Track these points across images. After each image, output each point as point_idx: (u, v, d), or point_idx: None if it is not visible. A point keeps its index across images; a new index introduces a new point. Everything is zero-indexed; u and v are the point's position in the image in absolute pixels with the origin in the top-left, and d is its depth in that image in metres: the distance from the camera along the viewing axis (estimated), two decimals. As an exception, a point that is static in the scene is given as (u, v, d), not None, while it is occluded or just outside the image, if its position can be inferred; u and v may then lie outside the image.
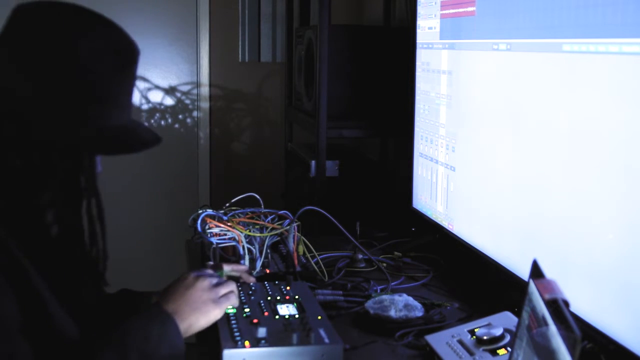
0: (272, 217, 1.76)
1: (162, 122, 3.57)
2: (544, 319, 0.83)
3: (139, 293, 1.44)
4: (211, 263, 1.56)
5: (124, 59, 1.13)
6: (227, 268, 1.53)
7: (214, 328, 1.32)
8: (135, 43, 1.15)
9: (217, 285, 1.32)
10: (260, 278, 1.61)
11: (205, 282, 1.30)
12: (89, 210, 1.16)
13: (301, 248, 1.74)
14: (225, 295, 1.31)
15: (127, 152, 1.17)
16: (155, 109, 3.55)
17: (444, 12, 1.88)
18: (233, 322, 1.30)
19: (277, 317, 1.33)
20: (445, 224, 1.89)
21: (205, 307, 1.26)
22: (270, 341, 1.22)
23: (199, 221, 1.67)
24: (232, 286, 1.35)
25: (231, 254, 1.68)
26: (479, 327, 1.29)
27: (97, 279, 1.24)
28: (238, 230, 1.65)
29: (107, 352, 1.09)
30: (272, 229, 1.70)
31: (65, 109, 1.07)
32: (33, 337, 1.03)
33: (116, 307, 1.35)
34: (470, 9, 1.71)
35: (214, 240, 1.66)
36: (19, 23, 1.09)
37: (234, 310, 1.35)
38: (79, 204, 1.14)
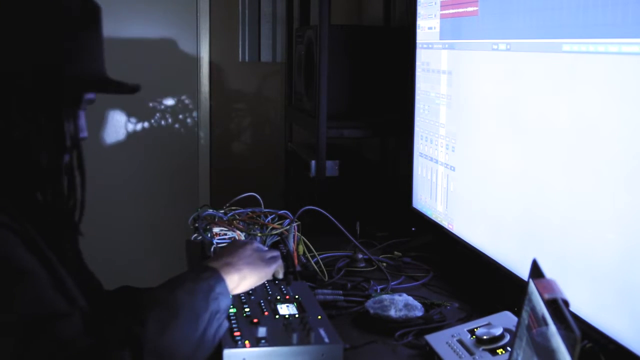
0: (272, 217, 1.76)
1: (162, 122, 3.57)
2: (543, 318, 0.83)
3: (140, 290, 1.44)
4: None
5: (90, 13, 1.15)
6: None
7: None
8: (97, 2, 1.18)
9: (265, 249, 1.38)
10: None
11: (255, 244, 1.37)
12: (70, 161, 1.15)
13: (301, 248, 1.74)
14: (273, 257, 1.37)
15: (105, 92, 1.18)
16: (155, 109, 3.55)
17: (444, 12, 1.88)
18: (233, 321, 1.30)
19: (277, 316, 1.33)
20: (445, 223, 1.89)
21: (257, 263, 1.31)
22: (270, 341, 1.22)
23: (199, 221, 1.68)
24: (277, 252, 1.40)
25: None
26: (479, 326, 1.29)
27: (74, 229, 1.23)
28: (238, 230, 1.65)
29: (160, 311, 1.09)
30: (272, 228, 1.70)
31: (35, 57, 1.08)
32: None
33: (116, 303, 1.35)
34: (472, 8, 1.71)
35: (215, 240, 1.66)
36: None
37: (234, 310, 1.35)
38: (61, 155, 1.13)
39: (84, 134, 1.18)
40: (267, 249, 1.39)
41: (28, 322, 0.96)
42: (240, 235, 1.65)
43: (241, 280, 1.26)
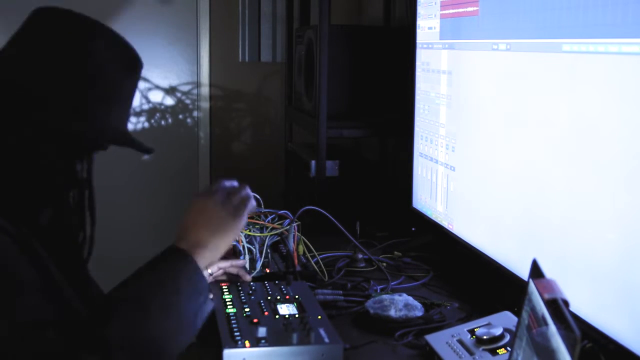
0: (272, 217, 1.76)
1: (162, 122, 3.57)
2: (543, 318, 0.83)
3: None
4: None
5: (130, 66, 1.21)
6: (225, 264, 1.53)
7: (214, 328, 1.32)
8: (139, 55, 1.24)
9: (230, 194, 1.31)
10: (260, 278, 1.61)
11: (216, 198, 1.29)
12: (81, 200, 1.19)
13: (301, 248, 1.74)
14: (241, 202, 1.31)
15: (124, 145, 1.23)
16: (155, 109, 3.55)
17: (444, 12, 1.88)
18: (233, 321, 1.30)
19: (277, 316, 1.33)
20: (445, 223, 1.89)
21: (224, 224, 1.27)
22: (270, 341, 1.22)
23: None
24: (245, 189, 1.34)
25: (231, 254, 1.68)
26: (479, 326, 1.29)
27: (82, 266, 1.24)
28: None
29: (125, 307, 1.08)
30: (272, 228, 1.70)
31: (71, 101, 1.13)
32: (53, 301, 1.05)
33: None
34: (472, 8, 1.71)
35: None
36: (36, 24, 1.17)
37: (234, 310, 1.35)
38: (74, 193, 1.18)
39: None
40: (231, 190, 1.32)
41: (9, 330, 0.97)
42: (240, 235, 1.65)
43: (213, 252, 1.25)
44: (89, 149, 1.19)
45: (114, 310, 1.07)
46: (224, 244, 1.27)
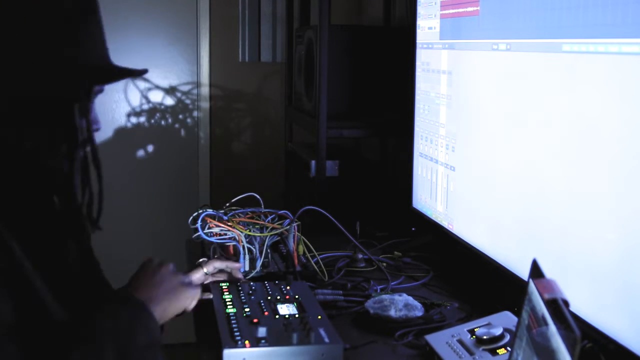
0: (272, 217, 1.76)
1: (162, 122, 3.57)
2: (543, 318, 0.83)
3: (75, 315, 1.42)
4: (203, 259, 1.55)
5: (87, 2, 1.12)
6: (221, 264, 1.53)
7: (213, 328, 1.32)
8: None
9: (178, 273, 1.31)
10: (260, 278, 1.61)
11: (170, 266, 1.30)
12: (84, 156, 1.12)
13: (301, 248, 1.74)
14: (191, 283, 1.31)
15: (113, 80, 1.14)
16: (155, 109, 3.55)
17: (444, 12, 1.88)
18: (233, 321, 1.30)
19: (277, 316, 1.33)
20: (445, 223, 1.89)
21: (177, 290, 1.26)
22: (270, 341, 1.22)
23: (199, 221, 1.68)
24: (189, 277, 1.35)
25: (232, 254, 1.68)
26: (479, 326, 1.29)
27: (90, 226, 1.19)
28: (238, 230, 1.65)
29: (79, 350, 1.04)
30: (272, 228, 1.70)
31: (40, 57, 1.05)
32: (23, 332, 1.00)
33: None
34: (473, 8, 1.71)
35: (214, 239, 1.66)
36: None
37: (234, 310, 1.35)
38: (75, 154, 1.10)
39: (98, 125, 1.15)
40: (179, 274, 1.32)
41: None
42: (240, 235, 1.65)
43: (162, 313, 1.21)
44: (82, 97, 1.09)
45: (71, 350, 1.03)
46: (173, 308, 1.25)
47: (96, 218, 1.18)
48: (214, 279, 1.53)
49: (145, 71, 1.15)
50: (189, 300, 1.29)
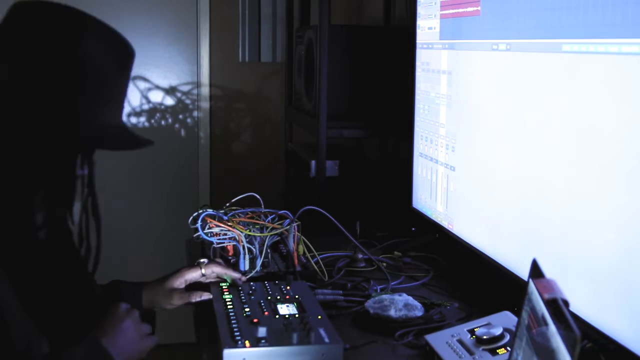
0: (272, 217, 1.76)
1: (162, 122, 3.57)
2: (543, 318, 0.83)
3: (130, 284, 1.45)
4: (204, 260, 1.56)
5: (121, 58, 1.14)
6: (221, 271, 1.53)
7: (213, 328, 1.32)
8: (131, 45, 1.17)
9: (140, 321, 1.33)
10: (260, 278, 1.61)
11: (135, 316, 1.31)
12: (84, 208, 1.15)
13: (301, 248, 1.74)
14: (149, 336, 1.33)
15: (120, 149, 1.17)
16: (155, 109, 3.55)
17: (444, 12, 1.88)
18: (233, 321, 1.30)
19: (277, 316, 1.33)
20: (445, 223, 1.89)
21: (137, 341, 1.28)
22: (270, 341, 1.22)
23: (199, 221, 1.68)
24: (149, 328, 1.36)
25: (232, 254, 1.68)
26: (479, 326, 1.29)
27: (87, 277, 1.23)
28: (238, 230, 1.65)
29: None
30: (272, 228, 1.70)
31: (64, 105, 1.06)
32: None
33: (107, 297, 1.36)
34: (473, 8, 1.71)
35: (214, 239, 1.66)
36: (17, 20, 1.08)
37: (234, 310, 1.35)
38: (71, 202, 1.13)
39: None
40: (142, 324, 1.34)
41: None
42: (240, 235, 1.65)
43: None
44: (86, 151, 1.14)
45: None
46: (133, 356, 1.28)
47: (93, 270, 1.21)
48: (209, 280, 1.53)
49: (151, 142, 1.18)
50: (145, 351, 1.31)
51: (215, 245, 1.68)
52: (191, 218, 1.71)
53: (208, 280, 1.53)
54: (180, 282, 1.49)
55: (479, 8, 1.66)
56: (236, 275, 1.55)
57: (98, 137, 1.12)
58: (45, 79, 1.05)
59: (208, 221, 1.69)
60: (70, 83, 1.07)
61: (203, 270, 1.51)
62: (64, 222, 1.14)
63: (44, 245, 1.14)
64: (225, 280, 1.53)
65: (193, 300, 1.46)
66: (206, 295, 1.47)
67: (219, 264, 1.56)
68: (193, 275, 1.50)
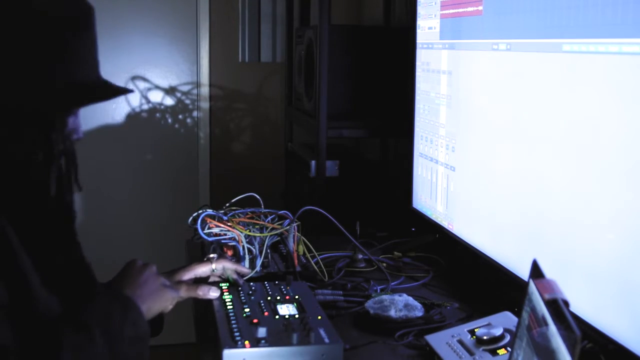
0: (272, 217, 1.76)
1: (162, 122, 3.57)
2: (543, 318, 0.83)
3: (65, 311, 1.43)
4: (214, 256, 1.54)
5: (80, 15, 1.11)
6: (231, 266, 1.52)
7: (213, 328, 1.32)
8: (89, 2, 1.13)
9: (160, 275, 1.33)
10: (260, 278, 1.61)
11: (153, 268, 1.32)
12: (60, 170, 1.12)
13: (301, 248, 1.73)
14: (174, 284, 1.34)
15: (96, 101, 1.15)
16: (155, 109, 3.55)
17: (444, 12, 1.88)
18: (233, 322, 1.30)
19: (277, 317, 1.33)
20: (445, 224, 1.89)
21: (159, 291, 1.29)
22: (270, 341, 1.22)
23: (199, 221, 1.68)
24: (169, 281, 1.35)
25: (232, 254, 1.68)
26: (479, 327, 1.29)
27: (69, 238, 1.20)
28: (238, 230, 1.65)
29: (73, 335, 1.06)
30: (272, 229, 1.70)
31: (27, 69, 1.05)
32: (14, 317, 1.01)
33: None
34: (473, 8, 1.71)
35: (214, 239, 1.66)
36: None
37: (234, 310, 1.35)
38: (50, 164, 1.10)
39: (79, 135, 1.15)
40: (162, 276, 1.34)
41: None
42: (239, 236, 1.65)
43: (146, 312, 1.23)
44: (58, 114, 1.10)
45: (65, 337, 1.05)
46: (155, 307, 1.27)
47: (71, 228, 1.18)
48: (215, 279, 1.53)
49: (131, 91, 1.17)
50: (169, 301, 1.32)
51: (215, 245, 1.68)
52: (191, 218, 1.71)
53: (213, 279, 1.52)
54: (190, 276, 1.48)
55: (481, 8, 1.66)
56: (246, 270, 1.56)
57: (72, 95, 1.09)
58: (14, 35, 1.03)
59: (208, 221, 1.68)
60: (25, 45, 1.04)
61: (213, 266, 1.50)
62: (45, 183, 1.10)
63: (29, 206, 1.12)
64: (226, 281, 1.52)
65: (200, 293, 1.43)
66: (214, 293, 1.45)
67: (229, 260, 1.56)
68: (203, 269, 1.49)
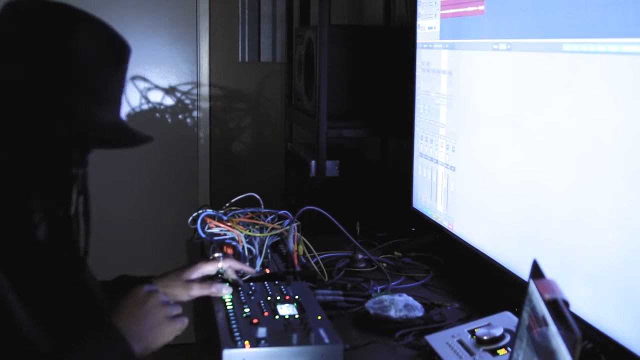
0: (272, 217, 1.76)
1: (162, 122, 3.57)
2: (544, 319, 0.83)
3: (138, 278, 1.43)
4: (219, 255, 1.54)
5: (116, 55, 1.13)
6: (237, 267, 1.52)
7: (213, 328, 1.32)
8: (127, 41, 1.15)
9: (167, 303, 1.26)
10: (260, 278, 1.61)
11: (158, 298, 1.23)
12: (76, 206, 1.12)
13: (301, 248, 1.73)
14: (178, 316, 1.26)
15: (118, 147, 1.15)
16: (155, 109, 3.55)
17: (445, 11, 1.88)
18: (233, 322, 1.30)
19: (277, 317, 1.33)
20: (445, 224, 1.89)
21: (161, 326, 1.21)
22: (270, 341, 1.22)
23: (199, 221, 1.67)
24: (180, 308, 1.29)
25: (232, 254, 1.68)
26: (479, 327, 1.29)
27: (77, 274, 1.19)
28: (238, 230, 1.65)
29: None
30: (272, 229, 1.70)
31: (57, 103, 1.06)
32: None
33: (114, 293, 1.34)
34: (474, 8, 1.71)
35: (214, 239, 1.66)
36: (10, 18, 1.08)
37: (234, 310, 1.35)
38: (68, 201, 1.11)
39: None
40: (170, 303, 1.27)
41: None
42: (239, 236, 1.65)
43: (144, 350, 1.18)
44: (82, 150, 1.11)
45: None
46: (155, 345, 1.21)
47: (82, 267, 1.18)
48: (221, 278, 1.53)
49: (150, 139, 1.15)
50: (174, 334, 1.24)
51: (215, 245, 1.68)
52: (191, 218, 1.71)
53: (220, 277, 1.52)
54: (197, 274, 1.47)
55: (483, 7, 1.66)
56: (251, 270, 1.56)
57: (94, 136, 1.10)
58: (36, 76, 1.04)
59: (208, 221, 1.68)
60: (63, 79, 1.06)
61: (220, 265, 1.50)
62: (62, 222, 1.12)
63: (43, 246, 1.12)
64: (225, 281, 1.52)
65: (214, 291, 1.42)
66: (226, 291, 1.44)
67: (236, 259, 1.56)
68: (210, 268, 1.48)
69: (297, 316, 1.33)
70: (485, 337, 1.24)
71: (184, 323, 1.25)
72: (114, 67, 1.12)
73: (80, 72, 1.07)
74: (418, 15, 2.06)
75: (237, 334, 1.24)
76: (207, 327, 1.38)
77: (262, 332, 1.24)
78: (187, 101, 3.58)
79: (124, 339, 1.14)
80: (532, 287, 0.89)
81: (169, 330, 1.22)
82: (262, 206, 1.81)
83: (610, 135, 1.18)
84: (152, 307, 1.21)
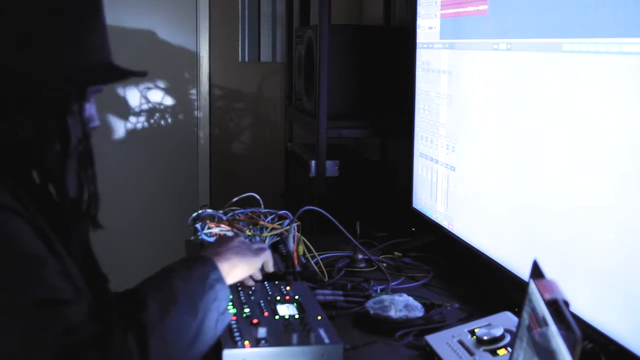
0: (272, 217, 1.76)
1: (162, 122, 3.57)
2: (544, 319, 0.83)
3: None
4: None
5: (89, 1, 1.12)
6: (271, 260, 1.53)
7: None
8: None
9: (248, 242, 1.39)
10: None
11: (242, 237, 1.38)
12: (78, 155, 1.12)
13: (301, 248, 1.73)
14: (261, 249, 1.39)
15: (111, 82, 1.15)
16: (155, 109, 3.55)
17: (445, 11, 1.88)
18: (233, 322, 1.30)
19: (277, 317, 1.33)
20: (445, 224, 1.89)
21: (245, 252, 1.33)
22: (270, 341, 1.22)
23: (199, 221, 1.67)
24: (264, 245, 1.42)
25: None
26: (479, 327, 1.29)
27: (88, 223, 1.22)
28: (238, 230, 1.65)
29: (156, 294, 1.09)
30: (272, 229, 1.70)
31: (38, 55, 1.05)
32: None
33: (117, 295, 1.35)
34: (475, 8, 1.71)
35: (213, 239, 1.66)
36: None
37: (234, 311, 1.35)
38: (67, 152, 1.10)
39: (95, 123, 1.16)
40: (254, 243, 1.40)
41: (35, 307, 0.95)
42: (239, 236, 1.64)
43: (231, 268, 1.27)
44: (77, 97, 1.10)
45: (149, 297, 1.08)
46: (240, 266, 1.30)
47: (94, 216, 1.19)
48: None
49: (145, 73, 1.15)
50: (259, 263, 1.37)
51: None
52: (191, 218, 1.71)
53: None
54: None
55: (485, 7, 1.65)
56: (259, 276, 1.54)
57: (84, 77, 1.10)
58: (14, 26, 1.04)
59: (208, 221, 1.68)
60: (42, 25, 1.05)
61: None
62: (64, 171, 1.11)
63: (50, 196, 1.13)
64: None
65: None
66: (251, 281, 1.48)
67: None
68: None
69: (297, 316, 1.33)
70: (485, 337, 1.24)
71: (267, 254, 1.40)
72: (88, 11, 1.10)
73: (53, 22, 1.06)
74: (418, 15, 2.06)
75: (237, 334, 1.24)
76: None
77: (262, 332, 1.24)
78: (187, 101, 3.58)
79: (209, 259, 1.23)
80: (532, 287, 0.89)
81: (255, 260, 1.35)
82: (262, 206, 1.81)
83: (611, 135, 1.18)
84: (237, 243, 1.35)
